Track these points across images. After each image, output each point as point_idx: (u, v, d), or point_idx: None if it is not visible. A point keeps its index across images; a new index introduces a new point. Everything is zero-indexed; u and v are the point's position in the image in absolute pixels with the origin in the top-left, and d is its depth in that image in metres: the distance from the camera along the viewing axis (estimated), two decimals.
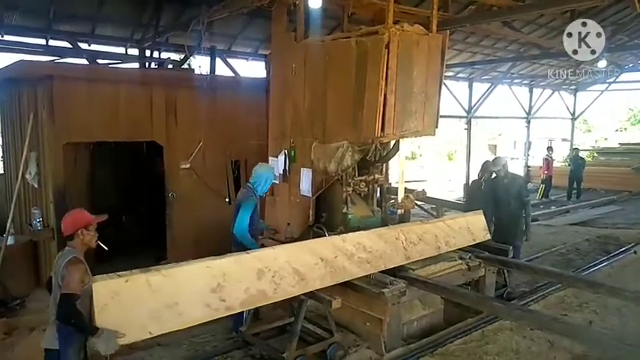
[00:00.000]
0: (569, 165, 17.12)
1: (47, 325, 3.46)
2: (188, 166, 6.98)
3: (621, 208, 14.45)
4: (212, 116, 7.06)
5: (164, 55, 9.98)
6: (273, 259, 4.19)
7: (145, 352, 4.94)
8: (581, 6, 7.01)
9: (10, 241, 6.39)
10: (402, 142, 6.23)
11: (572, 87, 20.45)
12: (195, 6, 7.68)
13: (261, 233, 5.59)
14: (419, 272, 5.19)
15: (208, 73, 8.93)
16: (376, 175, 6.26)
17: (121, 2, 8.37)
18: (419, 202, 7.67)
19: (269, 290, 4.05)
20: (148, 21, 8.88)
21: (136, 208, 8.70)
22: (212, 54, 9.21)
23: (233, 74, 10.30)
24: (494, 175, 6.84)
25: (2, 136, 8.23)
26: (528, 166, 19.19)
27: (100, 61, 8.99)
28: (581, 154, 17.32)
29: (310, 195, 6.02)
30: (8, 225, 6.29)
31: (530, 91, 19.21)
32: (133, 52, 9.56)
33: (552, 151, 16.76)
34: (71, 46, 8.65)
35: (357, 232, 5.06)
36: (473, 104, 16.80)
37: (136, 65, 9.60)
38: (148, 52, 9.59)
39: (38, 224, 6.11)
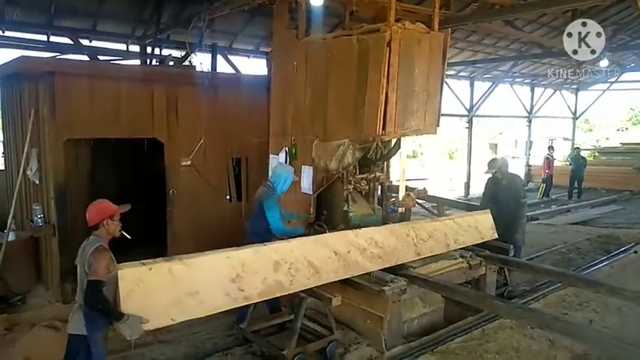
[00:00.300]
0: (570, 164, 17.11)
1: (74, 312, 3.56)
2: (189, 163, 6.97)
3: (622, 207, 14.45)
4: (213, 113, 7.05)
5: (165, 52, 9.97)
6: (290, 251, 4.32)
7: (146, 348, 4.95)
8: (583, 5, 7.00)
9: (11, 237, 6.38)
10: (403, 141, 6.22)
11: (574, 86, 20.43)
12: (197, 3, 7.67)
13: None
14: (419, 270, 5.20)
15: (209, 70, 8.94)
16: (377, 174, 6.26)
17: None
18: (420, 201, 7.67)
19: (285, 281, 4.18)
20: (149, 17, 8.88)
21: (137, 205, 8.69)
22: (213, 51, 9.22)
23: (234, 71, 10.29)
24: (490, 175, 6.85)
25: (3, 132, 8.24)
26: (529, 166, 19.18)
27: (101, 57, 8.98)
28: (583, 153, 17.31)
29: (311, 192, 6.02)
30: (9, 221, 6.29)
31: (532, 90, 19.19)
32: (134, 48, 9.56)
33: (553, 150, 16.76)
34: (72, 43, 8.64)
35: (369, 228, 5.20)
36: (474, 103, 16.78)
37: (137, 62, 9.60)
38: (149, 49, 9.59)
39: (39, 220, 6.11)
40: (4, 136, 8.33)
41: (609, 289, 4.98)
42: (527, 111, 19.20)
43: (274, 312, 5.39)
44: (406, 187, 6.76)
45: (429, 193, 7.35)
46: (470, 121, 16.84)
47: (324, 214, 6.12)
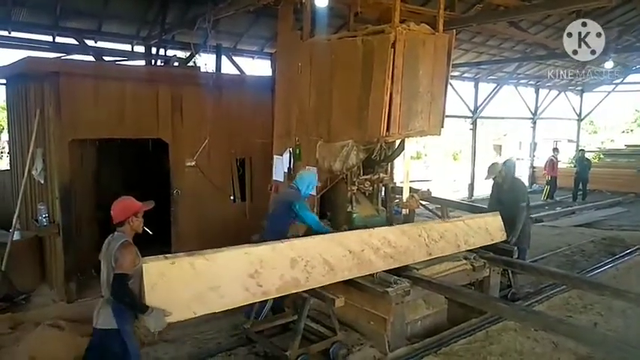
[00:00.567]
0: (574, 166, 17.06)
1: (101, 306, 3.63)
2: (193, 163, 6.99)
3: (627, 209, 14.40)
4: (217, 114, 7.06)
5: (170, 52, 10.01)
6: (306, 249, 4.41)
7: (151, 347, 4.97)
8: (588, 6, 6.98)
9: (16, 236, 6.42)
10: (408, 142, 6.23)
11: (579, 88, 20.36)
12: (202, 4, 7.69)
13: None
14: (423, 272, 5.19)
15: (214, 71, 8.96)
16: (381, 175, 6.26)
17: None
18: (423, 202, 7.65)
19: (301, 278, 4.27)
20: (154, 18, 8.91)
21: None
22: (218, 52, 9.23)
23: (239, 72, 10.31)
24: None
25: (9, 132, 8.27)
26: (534, 167, 19.13)
27: (106, 58, 9.03)
28: (587, 155, 17.23)
29: (315, 193, 6.02)
30: (14, 220, 6.32)
31: (537, 92, 19.12)
32: (139, 49, 9.60)
33: (558, 152, 16.70)
34: (78, 43, 8.69)
35: (382, 227, 5.30)
36: (479, 104, 16.74)
37: (142, 62, 9.63)
38: (154, 50, 9.61)
39: (44, 220, 6.13)
40: (9, 136, 8.36)
41: (614, 291, 4.97)
42: (531, 112, 19.13)
43: (278, 312, 5.39)
44: (410, 188, 6.76)
45: (432, 195, 7.34)
46: (474, 123, 16.81)
47: (327, 215, 6.13)
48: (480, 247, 5.90)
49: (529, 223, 6.76)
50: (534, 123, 19.33)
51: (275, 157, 6.73)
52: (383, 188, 6.51)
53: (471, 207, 8.20)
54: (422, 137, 6.10)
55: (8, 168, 8.49)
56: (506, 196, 6.56)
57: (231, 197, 7.50)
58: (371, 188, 6.23)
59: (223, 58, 9.69)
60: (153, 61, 9.60)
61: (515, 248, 6.03)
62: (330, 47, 5.82)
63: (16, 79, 6.99)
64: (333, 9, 6.83)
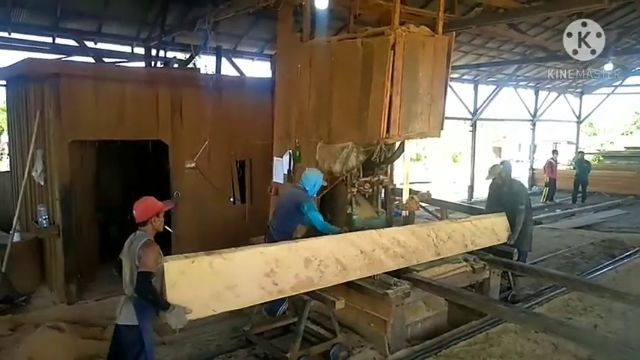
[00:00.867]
0: (574, 168, 17.07)
1: (123, 303, 3.72)
2: (193, 165, 6.99)
3: (626, 212, 14.40)
4: (217, 116, 7.06)
5: (170, 54, 10.03)
6: (319, 248, 4.48)
7: None
8: (588, 9, 7.00)
9: (16, 238, 6.41)
10: (407, 144, 6.22)
11: (578, 90, 20.39)
12: (202, 5, 7.71)
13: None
14: (423, 274, 5.19)
15: (214, 72, 8.97)
16: (381, 177, 6.25)
17: (127, 0, 8.43)
18: (423, 204, 7.66)
19: (315, 277, 4.34)
20: (154, 20, 8.92)
21: None
22: (218, 53, 9.24)
23: (238, 74, 10.32)
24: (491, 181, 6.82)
25: (9, 134, 8.27)
26: (533, 169, 19.14)
27: (106, 59, 9.04)
28: (587, 157, 17.24)
29: (315, 195, 6.01)
30: (14, 222, 6.31)
31: (536, 94, 19.15)
32: (139, 51, 9.61)
33: (557, 154, 16.71)
34: (78, 45, 8.70)
35: (392, 228, 5.40)
36: (478, 106, 16.76)
37: (141, 64, 9.64)
38: (153, 51, 9.62)
39: (44, 221, 6.13)
40: (9, 138, 8.37)
41: (614, 293, 4.97)
42: (531, 114, 19.15)
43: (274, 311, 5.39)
44: (410, 190, 6.76)
45: (432, 197, 7.34)
46: (474, 125, 16.83)
47: (327, 217, 6.11)
48: (481, 249, 5.90)
49: (530, 226, 6.74)
50: (534, 125, 19.35)
51: (275, 158, 6.73)
52: (383, 190, 6.50)
53: (470, 209, 8.20)
54: (422, 139, 6.11)
55: (8, 169, 8.49)
56: (506, 198, 6.56)
57: (231, 199, 7.50)
58: (371, 190, 6.23)
59: (223, 59, 9.71)
60: (153, 63, 9.62)
61: (515, 250, 6.03)
62: (330, 49, 5.82)
63: (16, 80, 6.99)
64: (333, 11, 6.84)
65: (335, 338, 4.84)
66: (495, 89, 17.11)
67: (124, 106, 6.41)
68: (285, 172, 6.44)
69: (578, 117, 21.22)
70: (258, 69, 11.45)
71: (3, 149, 18.39)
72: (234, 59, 10.52)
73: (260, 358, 4.93)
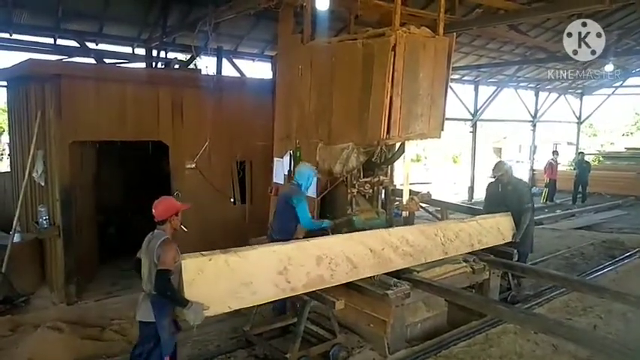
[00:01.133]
0: (574, 169, 17.07)
1: (142, 300, 3.85)
2: (194, 166, 7.00)
3: (627, 212, 14.41)
4: (218, 117, 7.07)
5: (171, 55, 10.04)
6: (330, 247, 4.53)
7: None
8: (588, 10, 7.00)
9: (17, 238, 6.42)
10: (408, 145, 6.23)
11: (579, 91, 20.40)
12: (203, 6, 7.71)
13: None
14: (423, 274, 5.18)
15: (215, 73, 8.98)
16: (381, 177, 6.26)
17: (128, 1, 8.43)
18: (423, 205, 7.66)
19: (326, 275, 4.39)
20: (155, 21, 8.92)
21: (142, 208, 8.72)
22: (218, 54, 9.25)
23: (239, 75, 10.33)
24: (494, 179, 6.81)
25: (10, 134, 8.29)
26: (533, 170, 19.14)
27: (107, 60, 9.04)
28: (587, 158, 17.25)
29: (315, 196, 6.02)
30: (15, 223, 6.32)
31: (536, 95, 19.16)
32: (140, 51, 9.62)
33: (558, 154, 16.71)
34: (79, 46, 8.71)
35: (401, 227, 5.47)
36: (478, 107, 16.77)
37: (142, 65, 9.65)
38: (154, 52, 9.64)
39: (44, 222, 6.13)
40: (10, 138, 8.38)
41: (613, 294, 4.96)
42: (531, 115, 19.16)
43: (281, 314, 5.40)
44: (410, 190, 6.77)
45: (432, 197, 7.34)
46: (474, 126, 16.83)
47: (327, 218, 6.12)
48: (481, 250, 5.90)
49: (532, 226, 6.74)
50: (534, 126, 19.35)
51: (275, 159, 6.74)
52: (383, 191, 6.51)
53: (470, 209, 8.20)
54: (422, 140, 6.11)
55: (9, 170, 8.50)
56: (511, 197, 6.54)
57: (232, 200, 7.50)
58: (371, 191, 6.24)
59: (224, 60, 9.71)
60: (154, 64, 9.63)
61: (515, 251, 6.02)
62: (331, 50, 5.83)
63: (17, 81, 7.00)
64: (334, 12, 6.84)
65: (335, 339, 4.85)
66: (496, 90, 17.13)
67: (124, 106, 6.42)
68: (286, 173, 6.44)
69: (579, 118, 21.22)
70: (258, 70, 11.48)
71: (3, 150, 18.42)
72: (234, 60, 10.52)
73: (259, 358, 4.94)
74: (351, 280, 4.57)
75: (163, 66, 9.73)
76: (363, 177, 6.09)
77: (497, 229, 6.14)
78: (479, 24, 7.99)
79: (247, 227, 7.14)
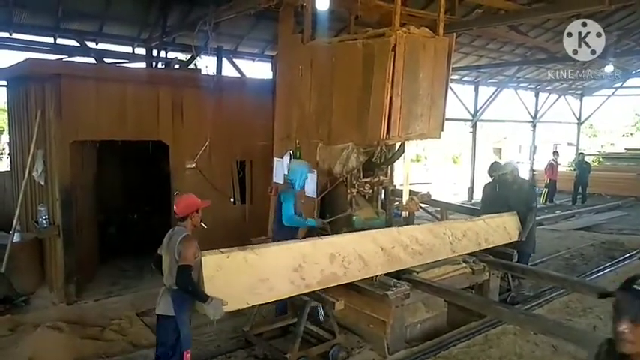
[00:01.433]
0: (574, 170, 17.07)
1: (162, 294, 3.90)
2: (194, 165, 7.00)
3: (626, 213, 14.41)
4: (218, 117, 7.07)
5: (171, 54, 10.04)
6: (342, 245, 4.64)
7: (149, 350, 4.95)
8: (588, 11, 7.00)
9: (17, 238, 6.41)
10: (408, 145, 6.23)
11: (578, 91, 20.39)
12: (203, 6, 7.71)
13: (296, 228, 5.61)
14: (423, 275, 5.19)
15: (215, 73, 8.97)
16: (381, 178, 6.26)
17: (128, 1, 8.44)
18: (423, 205, 7.66)
19: (340, 272, 4.49)
20: (155, 20, 8.93)
21: (142, 207, 8.74)
22: (218, 54, 9.25)
23: (239, 75, 10.33)
24: (499, 178, 6.80)
25: (9, 134, 8.29)
26: (533, 171, 19.14)
27: (107, 60, 9.05)
28: (587, 159, 17.24)
29: (315, 196, 6.03)
30: (14, 222, 6.31)
31: (536, 95, 19.15)
32: (140, 51, 9.62)
33: (558, 155, 16.71)
34: (79, 45, 8.71)
35: (410, 226, 5.63)
36: (478, 108, 16.76)
37: (143, 65, 9.65)
38: (155, 52, 9.64)
39: (44, 222, 6.13)
40: (10, 138, 8.37)
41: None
42: (531, 116, 19.15)
43: (282, 314, 5.41)
44: (410, 191, 6.77)
45: (432, 198, 7.34)
46: (474, 126, 16.83)
47: (327, 218, 6.12)
48: (481, 251, 5.91)
49: (534, 227, 6.76)
50: (534, 126, 19.35)
51: (275, 159, 6.74)
52: (383, 191, 6.50)
53: (470, 210, 8.20)
54: (422, 140, 6.11)
55: (9, 169, 8.49)
56: (515, 197, 6.55)
57: (232, 200, 7.50)
58: (371, 191, 6.23)
59: (224, 60, 9.71)
60: (154, 64, 9.63)
61: (515, 252, 6.02)
62: (331, 50, 5.83)
63: (18, 80, 7.00)
64: (334, 12, 6.84)
65: (334, 339, 4.84)
66: (496, 90, 17.11)
67: (124, 106, 6.42)
68: (286, 173, 6.44)
69: (579, 118, 21.22)
70: (258, 70, 11.48)
71: (3, 149, 18.41)
72: (235, 60, 10.53)
73: (259, 358, 4.94)
74: (363, 277, 4.67)
75: (163, 66, 9.74)
76: (363, 177, 6.09)
77: (504, 228, 6.23)
78: (479, 24, 7.98)
79: (247, 227, 7.14)
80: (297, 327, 4.63)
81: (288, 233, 5.09)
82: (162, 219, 7.30)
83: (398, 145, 6.16)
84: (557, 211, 14.40)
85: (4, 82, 7.98)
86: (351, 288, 4.70)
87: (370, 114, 5.37)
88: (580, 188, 15.97)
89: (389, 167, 6.60)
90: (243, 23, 9.19)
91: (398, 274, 4.96)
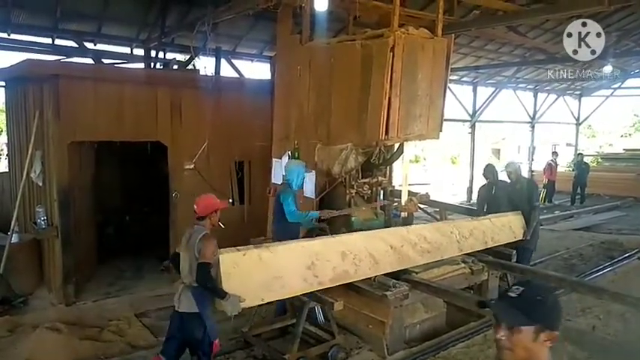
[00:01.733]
0: (573, 170, 17.08)
1: (181, 292, 3.98)
2: (192, 166, 6.99)
3: (625, 213, 14.42)
4: (216, 117, 7.06)
5: (169, 55, 10.02)
6: (353, 243, 4.70)
7: (148, 351, 4.95)
8: (587, 11, 7.00)
9: (15, 239, 6.41)
10: (406, 145, 6.23)
11: (577, 92, 20.41)
12: (201, 7, 7.71)
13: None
14: (422, 275, 5.19)
15: (213, 74, 8.96)
16: (380, 178, 6.26)
17: (126, 2, 8.43)
18: (422, 206, 7.65)
19: (351, 270, 4.54)
20: (153, 21, 8.92)
21: (140, 208, 8.73)
22: (217, 55, 9.24)
23: (238, 75, 10.32)
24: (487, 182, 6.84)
25: (7, 135, 8.28)
26: (532, 171, 19.14)
27: (105, 60, 9.04)
28: (586, 159, 17.26)
29: (314, 197, 6.02)
30: (13, 223, 6.31)
31: (535, 96, 19.17)
32: (139, 52, 9.61)
33: (557, 156, 16.72)
34: (77, 46, 8.71)
35: (418, 225, 5.76)
36: (477, 108, 16.77)
37: (141, 65, 9.64)
38: (153, 53, 9.63)
39: (42, 223, 6.12)
40: (8, 138, 8.36)
41: (612, 295, 4.96)
42: (530, 116, 19.17)
43: (281, 315, 5.40)
44: (409, 191, 6.76)
45: (431, 198, 7.33)
46: (473, 127, 16.84)
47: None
48: (480, 251, 5.91)
49: (538, 224, 6.82)
50: (533, 127, 19.37)
51: (274, 160, 6.73)
52: (381, 192, 6.51)
53: (469, 210, 8.19)
54: (420, 141, 6.11)
55: (7, 170, 8.48)
56: (518, 196, 6.57)
57: (230, 200, 7.48)
58: (370, 192, 6.24)
59: (222, 61, 9.71)
60: (152, 64, 9.62)
61: (514, 252, 6.03)
62: (330, 51, 5.83)
63: (16, 81, 6.99)
64: (333, 13, 6.83)
65: (333, 340, 4.83)
66: (494, 91, 17.13)
67: (123, 107, 6.41)
68: (284, 174, 6.43)
69: (577, 119, 21.24)
70: (257, 70, 11.47)
71: (2, 150, 18.37)
72: (233, 61, 10.53)
73: (258, 359, 4.93)
74: (374, 275, 4.72)
75: (162, 66, 9.72)
76: (362, 178, 6.09)
77: (509, 227, 6.29)
78: (477, 25, 7.98)
79: (246, 228, 7.12)
80: (296, 328, 4.63)
81: (289, 233, 5.08)
82: (160, 220, 7.30)
83: (396, 145, 6.16)
84: (556, 212, 14.41)
85: (2, 83, 7.98)
86: (350, 288, 4.70)
87: (369, 114, 5.37)
88: (579, 188, 15.98)
89: (388, 168, 6.60)
90: (242, 24, 9.19)
91: (397, 275, 4.95)
